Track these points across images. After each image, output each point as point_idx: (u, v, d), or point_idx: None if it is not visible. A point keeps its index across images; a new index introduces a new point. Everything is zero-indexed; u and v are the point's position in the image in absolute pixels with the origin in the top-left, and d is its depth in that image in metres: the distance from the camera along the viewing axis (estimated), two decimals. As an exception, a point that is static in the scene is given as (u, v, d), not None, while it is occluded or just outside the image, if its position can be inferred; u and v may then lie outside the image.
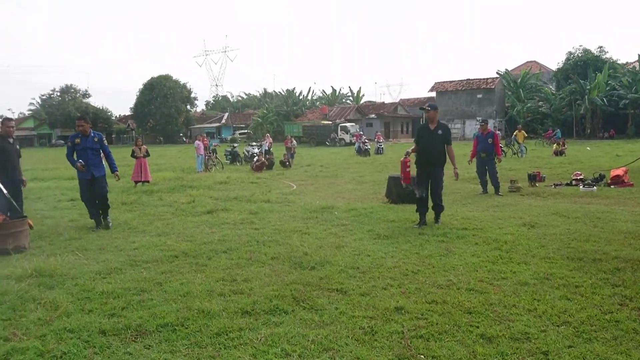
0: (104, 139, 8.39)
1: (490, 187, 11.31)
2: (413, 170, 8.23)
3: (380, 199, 10.72)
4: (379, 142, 32.21)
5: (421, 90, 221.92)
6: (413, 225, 7.74)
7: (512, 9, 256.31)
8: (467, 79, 57.02)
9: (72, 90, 75.77)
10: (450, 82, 57.70)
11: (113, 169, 8.50)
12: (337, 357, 3.29)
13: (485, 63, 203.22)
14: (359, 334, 3.64)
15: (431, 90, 58.76)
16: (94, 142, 8.06)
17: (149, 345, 3.54)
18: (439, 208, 7.81)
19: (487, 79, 55.49)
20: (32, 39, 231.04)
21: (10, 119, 8.22)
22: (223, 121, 76.65)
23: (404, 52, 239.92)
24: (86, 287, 4.83)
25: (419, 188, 7.84)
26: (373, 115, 59.67)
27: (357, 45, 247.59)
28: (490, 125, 12.11)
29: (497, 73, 56.92)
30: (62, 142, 72.52)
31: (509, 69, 58.47)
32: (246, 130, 67.35)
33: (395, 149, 36.38)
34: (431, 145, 7.76)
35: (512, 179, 12.21)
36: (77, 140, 8.01)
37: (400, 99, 73.58)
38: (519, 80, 55.09)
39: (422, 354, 3.32)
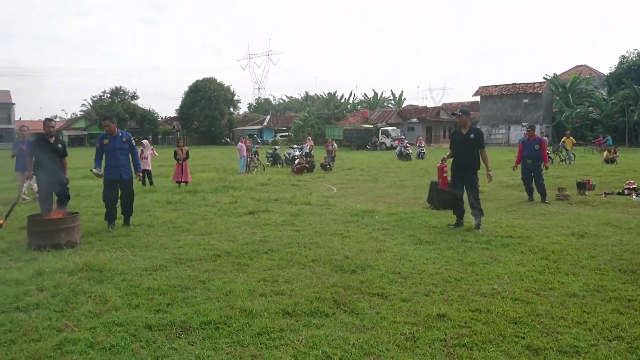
0: (132, 138, 8.39)
1: (536, 195, 10.99)
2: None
3: (421, 204, 10.59)
4: (421, 147, 31.84)
5: (465, 94, 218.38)
6: (449, 226, 7.79)
7: (561, 12, 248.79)
8: (512, 84, 55.63)
9: (122, 92, 78.32)
10: (496, 86, 56.43)
11: (137, 169, 8.48)
12: (378, 362, 3.27)
13: (532, 67, 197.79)
14: (400, 340, 3.61)
15: (475, 94, 57.67)
16: (122, 142, 8.14)
17: (193, 342, 3.62)
18: (478, 212, 7.73)
19: (534, 83, 53.95)
20: (85, 43, 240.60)
21: (50, 120, 8.39)
22: (265, 124, 77.62)
23: (447, 56, 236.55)
24: (133, 283, 4.98)
25: (456, 191, 7.97)
26: (415, 120, 59.06)
27: (400, 48, 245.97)
28: (537, 131, 11.74)
29: (544, 77, 55.29)
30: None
31: (558, 74, 56.64)
32: (287, 133, 67.92)
33: (437, 153, 35.84)
34: (464, 150, 7.87)
35: (560, 187, 11.81)
36: (106, 141, 8.08)
37: (443, 103, 72.61)
38: (568, 84, 53.32)
39: (465, 363, 3.25)
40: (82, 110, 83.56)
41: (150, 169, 15.10)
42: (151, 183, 14.83)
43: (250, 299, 4.47)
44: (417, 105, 74.81)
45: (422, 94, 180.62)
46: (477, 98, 57.96)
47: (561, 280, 5.00)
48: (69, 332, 3.77)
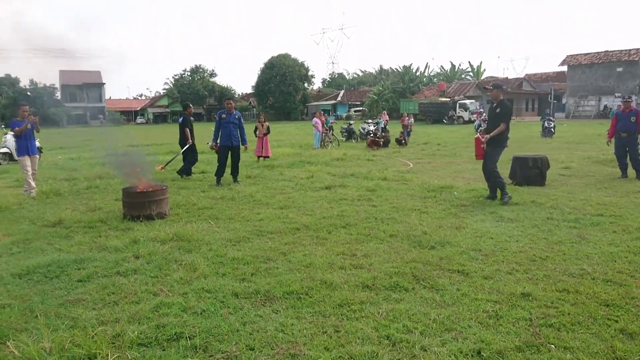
0: (242, 116, 10.64)
1: (631, 171, 10.23)
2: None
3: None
4: (501, 120, 30.40)
5: (550, 64, 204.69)
6: (481, 197, 8.10)
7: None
8: (605, 51, 51.51)
9: (201, 70, 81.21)
10: (585, 54, 52.54)
11: (244, 141, 10.50)
12: (460, 338, 3.25)
13: (627, 34, 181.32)
14: (482, 317, 3.56)
15: (562, 64, 54.09)
16: (235, 118, 10.32)
17: (277, 310, 3.77)
18: (493, 185, 7.92)
19: (630, 50, 49.56)
20: (166, 24, 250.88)
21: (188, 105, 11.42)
22: (339, 98, 77.48)
23: (531, 23, 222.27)
24: (219, 253, 5.25)
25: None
26: (495, 92, 56.46)
27: (479, 16, 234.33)
28: (633, 102, 10.84)
29: (642, 43, 50.61)
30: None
31: (658, 38, 51.65)
32: (361, 108, 67.48)
33: (519, 127, 34.18)
34: (491, 123, 8.02)
35: (659, 163, 10.90)
36: (224, 116, 10.26)
37: (526, 74, 68.87)
38: (671, 50, 48.53)
39: (552, 344, 3.16)
40: (164, 89, 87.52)
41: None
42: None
43: (330, 272, 4.57)
44: (498, 77, 71.43)
45: (503, 64, 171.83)
46: (564, 68, 54.38)
47: (659, 262, 4.67)
48: (164, 296, 4.06)
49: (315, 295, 4.01)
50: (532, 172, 9.30)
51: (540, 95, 57.83)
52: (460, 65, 73.02)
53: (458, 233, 5.89)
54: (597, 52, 51.97)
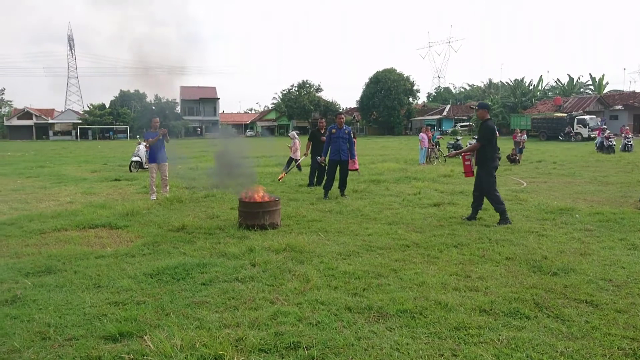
0: (352, 131, 10.60)
1: None
2: None
3: (632, 203, 9.31)
4: (627, 138, 27.84)
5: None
6: (461, 218, 7.89)
7: None
8: None
9: (307, 85, 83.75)
10: None
11: (352, 156, 10.74)
12: (592, 376, 3.00)
13: None
14: (618, 355, 3.26)
15: (702, 75, 48.31)
16: (344, 133, 10.39)
17: (391, 328, 3.74)
18: (496, 209, 7.66)
19: None
20: (276, 41, 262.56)
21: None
22: (444, 113, 75.74)
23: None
24: (330, 266, 5.33)
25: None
26: (619, 107, 51.88)
27: (601, 24, 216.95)
28: None
29: None
30: (298, 132, 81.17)
31: None
32: (468, 123, 65.35)
33: (648, 146, 30.99)
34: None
35: None
36: (334, 131, 10.38)
37: (657, 87, 62.36)
38: None
39: None
40: (273, 103, 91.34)
41: (298, 158, 15.52)
42: (299, 168, 15.94)
43: (443, 292, 4.45)
44: (623, 91, 65.56)
45: (630, 76, 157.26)
46: None
47: None
48: (280, 305, 4.20)
49: (429, 316, 3.93)
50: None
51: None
52: (579, 78, 68.16)
53: (583, 260, 5.46)
54: None
